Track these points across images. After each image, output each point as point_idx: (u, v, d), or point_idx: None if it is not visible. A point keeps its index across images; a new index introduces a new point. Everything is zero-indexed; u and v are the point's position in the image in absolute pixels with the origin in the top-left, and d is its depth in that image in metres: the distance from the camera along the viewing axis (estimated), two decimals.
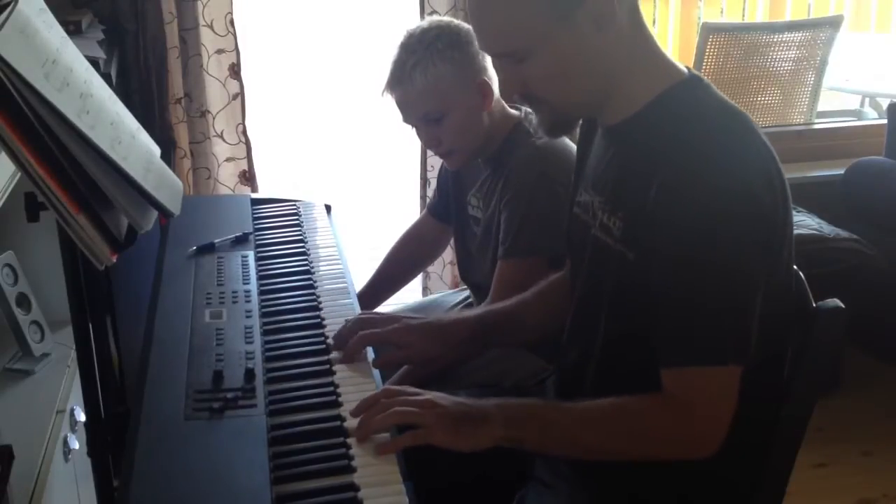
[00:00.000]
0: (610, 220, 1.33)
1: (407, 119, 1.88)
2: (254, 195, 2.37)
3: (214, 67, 2.78)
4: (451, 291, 2.51)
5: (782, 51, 3.38)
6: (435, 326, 1.55)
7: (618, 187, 1.33)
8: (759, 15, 3.98)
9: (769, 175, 1.25)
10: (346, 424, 1.30)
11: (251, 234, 1.91)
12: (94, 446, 1.38)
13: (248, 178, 2.92)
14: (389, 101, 1.88)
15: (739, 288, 1.21)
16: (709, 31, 3.31)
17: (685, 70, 1.34)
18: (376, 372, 1.49)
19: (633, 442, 1.27)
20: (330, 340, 1.53)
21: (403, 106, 1.85)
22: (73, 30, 2.27)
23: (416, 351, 1.53)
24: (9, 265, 2.10)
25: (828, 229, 2.89)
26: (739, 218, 1.20)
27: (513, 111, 1.88)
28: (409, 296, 3.00)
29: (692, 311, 1.22)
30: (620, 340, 1.34)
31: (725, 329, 1.21)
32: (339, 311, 1.62)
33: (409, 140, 3.41)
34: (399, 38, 1.85)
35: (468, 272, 2.06)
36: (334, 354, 1.50)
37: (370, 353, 1.53)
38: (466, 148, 1.87)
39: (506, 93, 1.36)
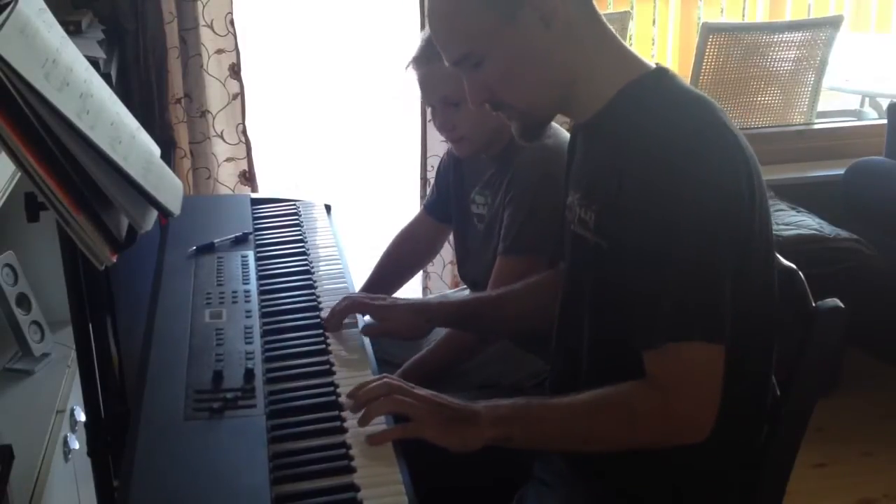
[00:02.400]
0: (586, 214, 1.35)
1: (427, 98, 1.90)
2: (254, 195, 2.37)
3: (214, 67, 2.78)
4: (451, 291, 2.51)
5: (782, 51, 3.38)
6: (420, 304, 1.67)
7: (592, 181, 1.35)
8: (759, 15, 3.98)
9: (733, 161, 1.25)
10: (346, 424, 1.30)
11: (251, 234, 1.91)
12: (94, 446, 1.38)
13: (248, 178, 2.92)
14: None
15: (701, 269, 1.22)
16: (709, 31, 3.31)
17: (652, 64, 1.35)
18: (374, 367, 1.50)
19: (621, 428, 1.27)
20: (330, 340, 1.54)
21: (426, 84, 1.86)
22: (73, 30, 2.27)
23: (400, 324, 1.61)
24: (9, 265, 2.10)
25: (828, 229, 2.88)
26: (700, 205, 1.21)
27: None
28: (409, 296, 3.01)
29: (657, 293, 1.23)
30: (605, 332, 1.34)
31: (689, 306, 1.22)
32: None
33: (409, 140, 3.41)
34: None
35: (467, 269, 2.06)
36: (334, 354, 1.51)
37: (361, 325, 1.59)
38: (478, 137, 1.87)
39: (473, 101, 1.36)
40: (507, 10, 1.27)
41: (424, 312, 1.64)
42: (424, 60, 1.83)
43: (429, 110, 2.92)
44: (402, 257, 2.21)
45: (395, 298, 1.67)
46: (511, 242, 1.79)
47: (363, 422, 1.29)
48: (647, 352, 1.25)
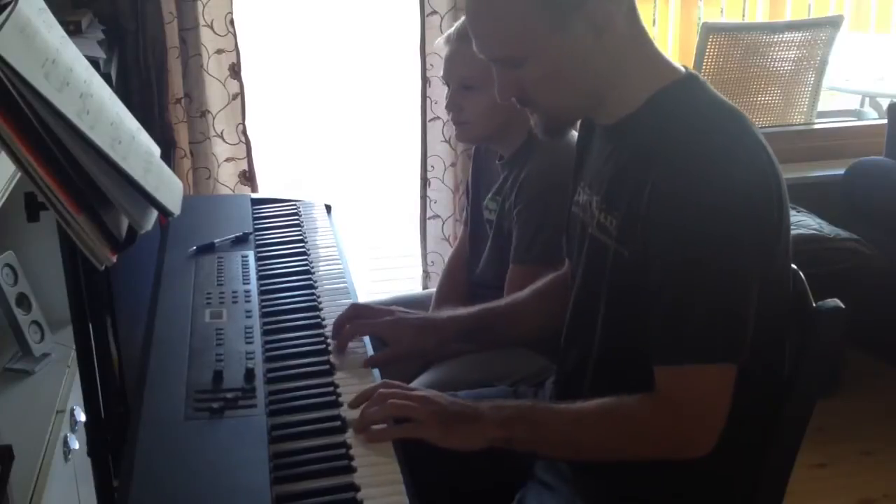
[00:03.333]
0: (607, 218, 1.34)
1: (445, 76, 1.93)
2: (254, 195, 2.37)
3: (214, 67, 2.78)
4: None
5: (782, 51, 3.38)
6: (429, 323, 1.59)
7: (614, 186, 1.33)
8: (759, 15, 3.98)
9: (763, 174, 1.24)
10: (346, 424, 1.30)
11: (251, 234, 1.91)
12: (94, 446, 1.38)
13: (248, 178, 2.92)
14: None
15: (731, 286, 1.21)
16: (709, 31, 3.31)
17: (682, 69, 1.34)
18: (376, 371, 1.49)
19: (626, 441, 1.28)
20: (330, 340, 1.54)
21: (450, 63, 1.90)
22: (73, 30, 2.27)
23: (407, 347, 1.55)
24: (9, 265, 2.10)
25: (828, 229, 2.88)
26: (731, 217, 1.20)
27: None
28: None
29: (684, 309, 1.22)
30: (618, 340, 1.34)
31: (717, 327, 1.21)
32: (338, 311, 1.61)
33: (409, 140, 3.41)
34: None
35: (476, 274, 2.07)
36: (334, 354, 1.50)
37: (368, 349, 1.54)
38: (480, 127, 1.90)
39: (502, 96, 1.35)
40: (560, 18, 1.24)
41: (433, 330, 1.58)
42: (457, 39, 1.86)
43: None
44: (459, 279, 2.18)
45: (402, 313, 1.59)
46: (524, 251, 1.81)
47: (360, 430, 1.28)
48: (664, 367, 1.24)
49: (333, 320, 1.57)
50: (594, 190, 1.39)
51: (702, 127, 1.26)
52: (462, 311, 1.62)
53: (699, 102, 1.30)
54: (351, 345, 1.53)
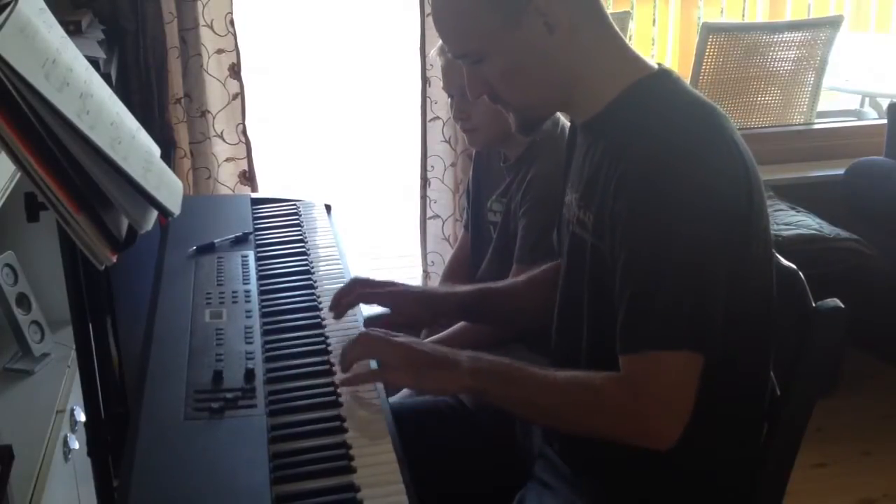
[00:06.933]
0: (585, 215, 1.34)
1: (447, 86, 1.96)
2: (254, 195, 2.37)
3: (214, 67, 2.78)
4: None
5: (782, 51, 3.38)
6: (428, 294, 1.69)
7: (590, 182, 1.34)
8: (759, 15, 3.98)
9: (734, 169, 1.24)
10: (346, 424, 1.30)
11: (251, 234, 1.91)
12: (94, 446, 1.39)
13: (248, 178, 2.92)
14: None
15: (695, 278, 1.21)
16: (709, 31, 3.31)
17: (655, 65, 1.34)
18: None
19: (585, 414, 1.27)
20: (330, 340, 1.54)
21: (447, 73, 1.92)
22: (73, 30, 2.27)
23: (407, 316, 1.61)
24: (9, 265, 2.10)
25: (828, 229, 2.89)
26: (697, 210, 1.20)
27: None
28: None
29: (648, 298, 1.21)
30: (604, 335, 1.33)
31: (681, 316, 1.20)
32: None
33: (409, 140, 3.41)
34: None
35: (480, 276, 2.07)
36: (334, 354, 1.50)
37: (361, 327, 1.57)
38: (490, 131, 1.90)
39: (472, 93, 1.38)
40: (512, 14, 1.27)
41: (431, 303, 1.64)
42: (445, 50, 1.87)
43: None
44: (460, 281, 2.16)
45: (404, 286, 1.63)
46: (529, 251, 1.82)
47: (345, 370, 1.36)
48: (626, 355, 1.23)
49: (334, 322, 1.58)
50: (574, 188, 1.40)
51: (672, 120, 1.26)
52: (461, 287, 1.68)
53: (671, 97, 1.30)
54: (346, 323, 1.54)
